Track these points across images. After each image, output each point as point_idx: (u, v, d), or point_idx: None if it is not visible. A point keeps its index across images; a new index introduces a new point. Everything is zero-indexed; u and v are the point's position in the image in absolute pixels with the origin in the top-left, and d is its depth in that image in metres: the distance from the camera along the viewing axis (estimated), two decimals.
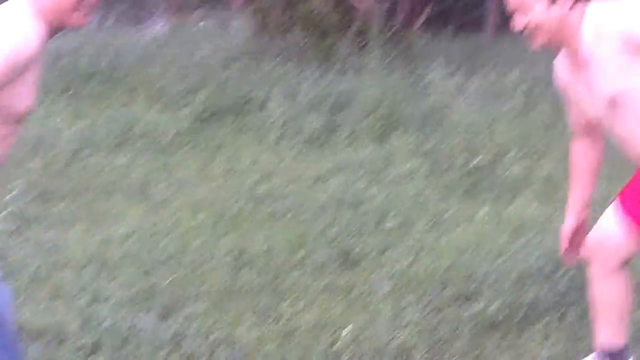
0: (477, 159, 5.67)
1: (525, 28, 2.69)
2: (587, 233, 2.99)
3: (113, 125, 7.12)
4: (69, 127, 7.19)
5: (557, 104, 7.30)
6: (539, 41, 2.71)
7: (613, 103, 2.68)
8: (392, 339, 3.38)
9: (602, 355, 3.05)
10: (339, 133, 6.83)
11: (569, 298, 3.66)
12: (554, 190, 5.33)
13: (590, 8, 2.68)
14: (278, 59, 8.63)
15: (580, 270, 3.73)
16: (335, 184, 5.44)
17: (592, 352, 3.09)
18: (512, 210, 4.87)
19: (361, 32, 9.13)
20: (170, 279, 3.98)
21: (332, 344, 3.34)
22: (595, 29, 2.65)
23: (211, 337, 3.39)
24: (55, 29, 2.38)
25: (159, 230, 4.71)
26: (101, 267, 4.19)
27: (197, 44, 9.55)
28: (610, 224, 2.91)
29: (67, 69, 8.86)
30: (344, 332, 3.40)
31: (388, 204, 4.97)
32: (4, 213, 4.90)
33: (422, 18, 10.07)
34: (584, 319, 3.34)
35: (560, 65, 2.86)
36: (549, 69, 7.76)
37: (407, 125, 6.76)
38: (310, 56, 8.64)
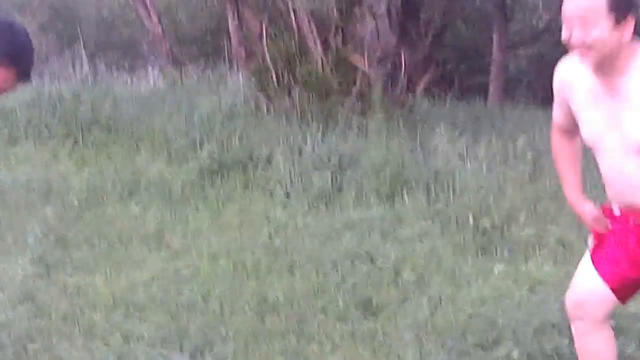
0: (488, 221, 6.03)
1: (581, 43, 2.67)
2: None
3: (121, 174, 7.52)
4: (76, 175, 7.58)
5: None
6: (589, 59, 2.70)
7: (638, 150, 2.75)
8: None
9: None
10: (346, 192, 7.21)
11: None
12: (567, 252, 5.73)
13: None
14: (280, 117, 9.07)
15: None
16: (348, 240, 5.79)
17: None
18: (527, 268, 5.24)
19: (362, 95, 9.61)
20: (198, 322, 4.31)
21: None
22: None
23: None
24: None
25: (181, 277, 5.06)
26: (129, 309, 4.52)
27: (196, 98, 10.00)
28: (589, 281, 3.07)
29: (67, 115, 9.29)
30: None
31: (403, 259, 5.33)
32: (27, 257, 5.22)
33: (424, 83, 10.58)
34: None
35: (572, 68, 2.88)
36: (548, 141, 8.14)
37: (414, 186, 7.17)
38: (310, 116, 9.07)
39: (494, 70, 16.39)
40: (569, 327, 4.09)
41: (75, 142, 8.81)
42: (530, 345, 3.96)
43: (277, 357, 3.93)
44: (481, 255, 5.67)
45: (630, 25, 2.66)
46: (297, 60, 9.16)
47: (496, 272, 5.13)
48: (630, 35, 2.67)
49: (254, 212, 6.73)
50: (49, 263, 5.31)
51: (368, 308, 4.61)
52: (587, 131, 2.88)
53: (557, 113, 3.08)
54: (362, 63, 9.22)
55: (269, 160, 7.92)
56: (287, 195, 7.24)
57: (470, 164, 7.44)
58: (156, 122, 9.12)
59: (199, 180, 7.52)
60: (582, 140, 2.98)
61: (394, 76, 9.99)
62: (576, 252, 5.75)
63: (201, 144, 8.25)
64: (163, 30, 12.32)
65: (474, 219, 6.21)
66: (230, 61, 11.19)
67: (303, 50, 9.18)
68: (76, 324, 4.32)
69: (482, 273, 5.14)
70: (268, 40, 9.20)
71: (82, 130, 9.01)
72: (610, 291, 3.02)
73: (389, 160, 7.46)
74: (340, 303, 4.62)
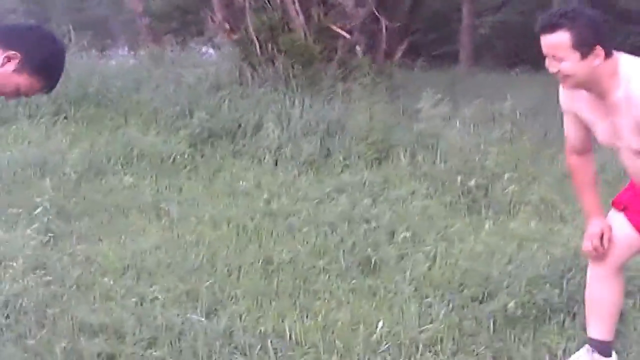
0: (474, 181, 6.19)
1: (557, 73, 3.00)
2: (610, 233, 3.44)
3: (113, 147, 7.57)
4: (69, 150, 7.59)
5: (542, 132, 7.99)
6: (567, 86, 3.08)
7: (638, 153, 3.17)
8: (422, 332, 3.87)
9: (592, 349, 3.58)
10: (334, 157, 7.35)
11: (576, 299, 4.18)
12: (549, 210, 5.92)
13: (623, 64, 3.02)
14: (264, 86, 9.15)
15: (585, 275, 4.32)
16: (341, 203, 5.93)
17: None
18: (513, 225, 5.41)
19: (344, 62, 9.73)
20: (208, 283, 4.43)
21: (369, 336, 3.81)
22: (626, 91, 2.99)
23: (259, 331, 3.85)
24: None
25: (185, 242, 5.17)
26: (139, 274, 4.63)
27: (180, 70, 10.02)
28: (620, 230, 3.40)
29: (56, 92, 9.25)
30: (379, 327, 3.88)
31: (396, 220, 5.48)
32: (34, 226, 5.30)
33: (401, 50, 10.71)
34: None
35: (572, 92, 3.20)
36: (530, 100, 8.43)
37: (400, 150, 7.32)
38: (295, 84, 9.16)
39: (464, 37, 16.54)
40: (559, 279, 4.31)
41: (66, 118, 8.83)
42: (523, 297, 4.13)
43: (287, 312, 4.06)
44: (469, 214, 5.85)
45: (599, 54, 2.96)
46: (280, 31, 9.22)
47: (486, 228, 5.30)
48: (602, 59, 2.97)
49: (246, 179, 6.84)
50: (54, 233, 5.37)
51: (367, 266, 4.76)
52: (600, 139, 3.25)
53: (569, 129, 3.41)
54: (343, 31, 9.31)
55: (257, 128, 8.02)
56: (275, 164, 7.36)
57: (453, 127, 7.59)
58: (143, 95, 9.17)
59: (189, 149, 7.60)
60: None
61: (374, 44, 10.11)
62: (557, 209, 5.96)
63: (190, 113, 8.32)
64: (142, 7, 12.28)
65: (459, 180, 6.37)
66: (212, 34, 11.20)
67: (286, 20, 9.25)
68: (90, 290, 4.42)
69: (472, 230, 5.31)
70: (251, 13, 9.24)
71: (71, 107, 9.03)
72: (635, 230, 3.39)
73: (374, 126, 7.59)
74: (342, 262, 4.76)
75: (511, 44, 20.07)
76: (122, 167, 7.16)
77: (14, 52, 2.60)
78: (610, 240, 3.41)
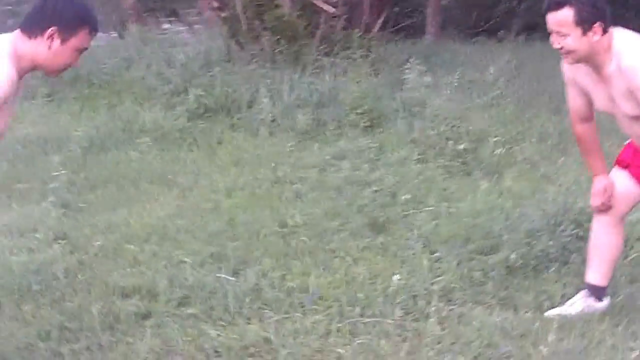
0: (463, 145, 6.41)
1: (561, 49, 3.29)
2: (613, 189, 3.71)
3: (113, 124, 7.69)
4: (70, 128, 7.71)
5: (519, 97, 8.23)
6: (569, 60, 3.35)
7: (635, 118, 3.43)
8: (434, 283, 4.10)
9: (589, 292, 3.84)
10: (327, 127, 7.52)
11: (570, 249, 4.43)
12: (533, 169, 6.17)
13: (616, 39, 3.29)
14: (251, 62, 9.27)
15: (576, 226, 4.57)
16: (342, 169, 6.12)
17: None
18: (506, 184, 5.65)
19: (326, 37, 9.87)
20: (231, 246, 4.61)
21: (387, 288, 4.02)
22: (617, 64, 3.30)
23: (285, 286, 4.05)
24: (29, 70, 2.88)
25: (202, 210, 5.34)
26: (162, 240, 4.80)
27: (169, 49, 10.12)
28: (623, 183, 3.69)
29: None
30: (394, 279, 4.09)
31: (396, 183, 5.68)
32: (50, 199, 5.44)
33: (379, 23, 10.84)
34: (584, 265, 4.11)
35: (572, 66, 3.48)
36: (505, 67, 8.54)
37: (389, 118, 7.52)
38: (280, 60, 9.29)
39: (431, 8, 16.70)
40: (552, 232, 4.54)
41: (61, 99, 8.91)
42: (522, 249, 4.37)
43: (309, 270, 4.26)
44: (462, 175, 6.08)
45: (597, 29, 3.25)
46: (267, 7, 9.34)
47: (483, 188, 5.53)
48: (600, 35, 3.26)
49: (246, 150, 7.00)
50: (70, 205, 5.51)
51: (376, 226, 4.97)
52: (598, 107, 3.55)
53: (572, 99, 3.68)
54: (326, 6, 9.45)
55: (250, 102, 8.16)
56: (271, 135, 7.52)
57: (437, 95, 7.79)
58: (135, 73, 9.26)
59: (187, 124, 7.73)
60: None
61: (352, 17, 10.26)
62: (540, 169, 6.21)
63: (185, 90, 8.44)
64: None
65: (448, 144, 6.59)
66: (199, 13, 11.28)
67: None
68: (117, 256, 4.58)
69: (470, 191, 5.53)
70: None
71: (65, 88, 9.10)
72: (638, 184, 3.69)
73: (364, 96, 7.77)
74: (352, 223, 4.96)
75: (471, 14, 20.26)
76: (124, 142, 7.28)
77: (50, 29, 2.78)
78: (613, 195, 3.69)
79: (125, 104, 8.48)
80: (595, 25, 3.24)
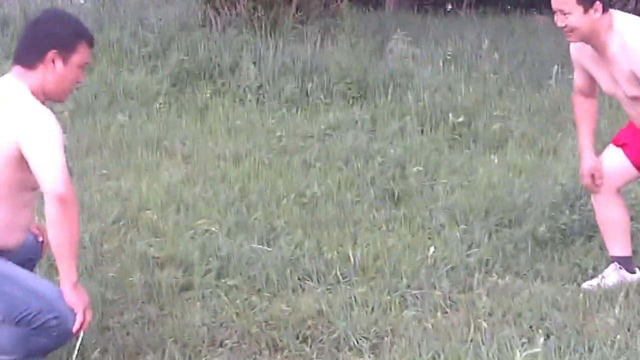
0: (460, 117, 6.36)
1: (564, 27, 3.43)
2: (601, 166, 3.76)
3: (96, 87, 7.38)
4: None
5: (500, 70, 8.21)
6: (573, 39, 3.49)
7: (635, 98, 3.52)
8: (469, 255, 4.04)
9: (618, 266, 3.86)
10: (314, 96, 7.37)
11: (593, 223, 4.41)
12: (531, 143, 6.17)
13: (617, 19, 3.44)
14: (229, 29, 9.02)
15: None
16: (340, 140, 6.01)
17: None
18: (511, 159, 5.63)
19: (300, 5, 9.69)
20: (254, 216, 4.47)
21: (424, 259, 3.95)
22: (620, 43, 3.40)
23: (323, 257, 3.94)
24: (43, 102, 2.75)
25: (210, 178, 5.17)
26: (180, 207, 4.62)
27: (141, 11, 9.76)
28: (616, 160, 3.75)
29: (19, 35, 8.91)
30: (431, 251, 4.02)
31: (401, 155, 5.57)
32: None
33: None
34: None
35: (579, 45, 3.59)
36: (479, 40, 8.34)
37: (378, 89, 7.40)
38: (257, 26, 9.06)
39: None
40: (572, 207, 4.53)
41: None
42: (548, 223, 4.34)
43: (345, 241, 4.16)
44: (463, 148, 6.03)
45: (597, 7, 3.38)
46: None
47: (490, 162, 5.49)
48: (600, 13, 3.39)
49: (235, 117, 6.81)
50: (73, 171, 5.26)
51: (392, 197, 4.88)
52: (603, 88, 3.65)
53: (577, 76, 3.80)
54: None
55: (232, 68, 7.94)
56: (258, 102, 7.35)
57: (423, 66, 7.73)
58: (109, 36, 8.89)
59: (171, 89, 7.49)
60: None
61: None
62: (538, 143, 6.21)
63: (164, 54, 8.17)
64: None
65: (443, 116, 6.53)
66: None
67: None
68: (136, 224, 4.39)
69: (477, 164, 5.49)
70: None
71: None
72: (631, 164, 3.75)
73: (349, 67, 7.64)
74: (369, 194, 4.87)
75: None
76: (110, 105, 7.00)
77: (49, 53, 2.68)
78: (601, 176, 3.74)
79: (103, 66, 8.14)
80: (595, 2, 3.37)
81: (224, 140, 6.07)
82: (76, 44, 2.73)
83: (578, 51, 3.65)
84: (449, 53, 8.62)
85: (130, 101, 7.04)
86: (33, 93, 2.69)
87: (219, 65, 7.96)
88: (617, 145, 3.80)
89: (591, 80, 3.71)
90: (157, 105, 7.05)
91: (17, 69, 2.73)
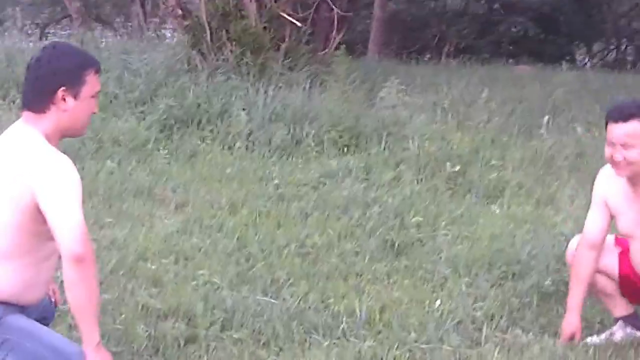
0: (457, 167, 6.45)
1: (620, 161, 3.42)
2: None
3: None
4: None
5: (491, 122, 8.35)
6: (626, 173, 3.47)
7: None
8: (475, 309, 4.09)
9: (625, 324, 3.92)
10: (305, 143, 7.44)
11: None
12: (529, 194, 6.26)
13: None
14: (215, 74, 9.09)
15: None
16: (336, 188, 6.06)
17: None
18: (510, 209, 5.71)
19: (290, 51, 9.81)
20: (254, 266, 4.49)
21: (431, 313, 3.98)
22: None
23: (330, 310, 3.96)
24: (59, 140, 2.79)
25: (207, 227, 5.18)
26: (178, 258, 4.63)
27: (125, 56, 9.81)
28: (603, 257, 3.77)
29: (3, 77, 8.98)
30: (437, 304, 4.07)
31: (399, 204, 5.65)
32: None
33: (338, 40, 10.83)
34: None
35: (610, 177, 3.59)
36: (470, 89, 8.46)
37: (370, 136, 7.48)
38: (244, 72, 9.15)
39: (375, 27, 16.91)
40: None
41: (19, 105, 8.52)
42: (552, 275, 4.41)
43: (347, 292, 4.18)
44: (459, 198, 6.10)
45: None
46: (233, 17, 9.21)
47: (490, 213, 5.57)
48: None
49: (226, 164, 6.85)
50: None
51: (393, 248, 4.93)
52: (622, 225, 3.65)
53: (593, 219, 3.72)
54: (293, 19, 9.39)
55: (221, 114, 7.99)
56: (248, 148, 7.40)
57: (416, 114, 7.85)
58: None
59: (160, 136, 7.51)
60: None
61: (316, 34, 10.24)
62: (534, 194, 6.30)
63: (151, 99, 8.22)
64: None
65: (438, 165, 6.62)
66: (150, 21, 11.01)
67: (239, 7, 9.25)
68: (134, 274, 4.39)
69: (477, 214, 5.56)
70: None
71: (21, 91, 8.70)
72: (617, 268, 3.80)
73: (341, 114, 7.73)
74: (369, 245, 4.92)
75: (405, 36, 20.64)
76: (98, 152, 7.00)
77: (60, 90, 2.65)
78: (580, 338, 3.76)
79: None
80: None
81: (217, 188, 6.09)
82: (83, 75, 2.68)
83: (607, 185, 3.63)
84: (445, 103, 8.73)
85: (118, 148, 7.05)
86: (48, 137, 2.65)
87: (207, 111, 8.01)
88: (617, 245, 3.82)
89: (608, 222, 3.68)
90: (146, 153, 7.06)
91: (27, 114, 2.68)
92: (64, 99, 2.65)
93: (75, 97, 2.66)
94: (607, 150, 3.46)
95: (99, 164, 6.69)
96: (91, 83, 2.70)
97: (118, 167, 6.62)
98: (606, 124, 3.48)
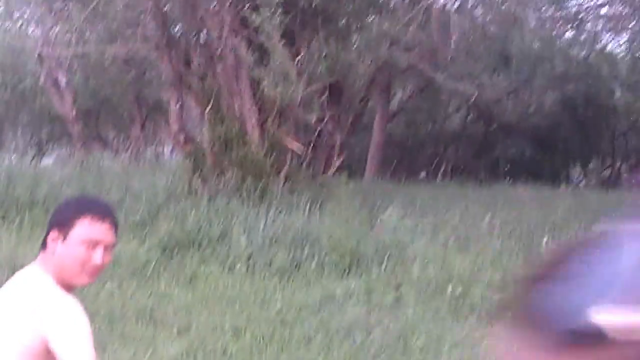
0: (458, 289, 6.55)
1: None
2: None
3: None
4: (34, 254, 7.47)
5: (493, 243, 8.49)
6: None
7: None
8: None
9: None
10: (305, 266, 7.56)
11: None
12: None
13: None
14: (215, 198, 9.31)
15: None
16: (337, 312, 6.15)
17: None
18: None
19: (290, 175, 10.08)
20: None
21: None
22: None
23: None
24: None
25: (211, 352, 5.23)
26: None
27: (126, 179, 10.07)
28: None
29: (2, 196, 9.19)
30: None
31: (402, 327, 5.73)
32: None
33: (335, 166, 11.12)
34: None
35: None
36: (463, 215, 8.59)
37: (369, 259, 7.62)
38: (244, 196, 9.37)
39: (373, 148, 17.31)
40: None
41: (19, 224, 8.71)
42: None
43: None
44: (461, 320, 6.17)
45: None
46: (235, 143, 9.49)
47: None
48: None
49: (227, 286, 6.94)
50: None
51: None
52: None
53: None
54: (295, 145, 9.68)
55: (221, 237, 8.15)
56: (248, 270, 7.51)
57: (416, 236, 8.00)
58: None
59: (161, 257, 7.64)
60: None
61: (317, 158, 10.54)
62: None
63: (150, 222, 8.39)
64: (76, 113, 12.26)
65: (439, 287, 6.72)
66: (147, 143, 11.31)
67: (241, 134, 9.55)
68: None
69: (479, 338, 5.62)
70: (207, 125, 9.48)
71: (21, 213, 8.91)
72: None
73: (340, 237, 7.88)
74: None
75: (401, 154, 21.07)
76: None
77: (51, 233, 2.61)
78: None
79: None
80: None
81: (219, 311, 6.17)
82: (73, 218, 2.59)
83: None
84: (446, 227, 8.87)
85: (119, 269, 7.16)
86: (55, 279, 2.73)
87: (207, 234, 8.17)
88: None
89: None
90: (147, 275, 7.17)
91: (40, 255, 2.77)
92: (55, 241, 2.61)
93: (63, 240, 2.61)
94: None
95: (98, 285, 6.77)
96: (82, 227, 2.62)
97: (119, 289, 6.71)
98: None
